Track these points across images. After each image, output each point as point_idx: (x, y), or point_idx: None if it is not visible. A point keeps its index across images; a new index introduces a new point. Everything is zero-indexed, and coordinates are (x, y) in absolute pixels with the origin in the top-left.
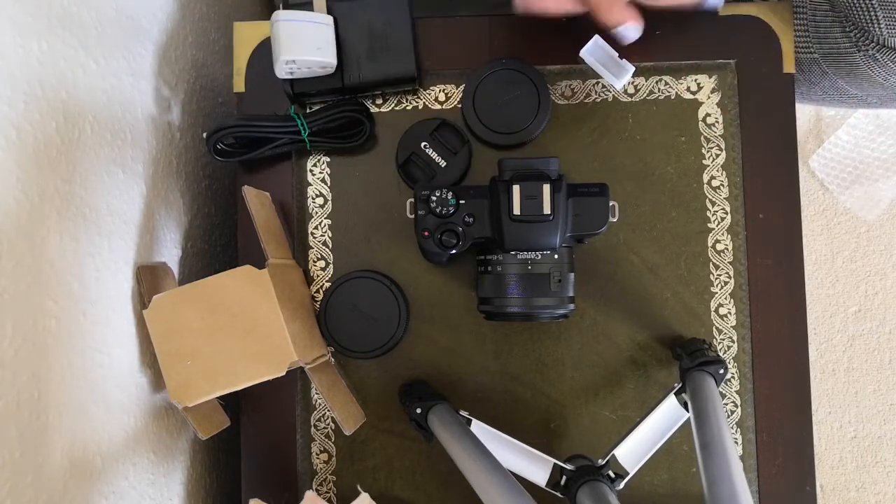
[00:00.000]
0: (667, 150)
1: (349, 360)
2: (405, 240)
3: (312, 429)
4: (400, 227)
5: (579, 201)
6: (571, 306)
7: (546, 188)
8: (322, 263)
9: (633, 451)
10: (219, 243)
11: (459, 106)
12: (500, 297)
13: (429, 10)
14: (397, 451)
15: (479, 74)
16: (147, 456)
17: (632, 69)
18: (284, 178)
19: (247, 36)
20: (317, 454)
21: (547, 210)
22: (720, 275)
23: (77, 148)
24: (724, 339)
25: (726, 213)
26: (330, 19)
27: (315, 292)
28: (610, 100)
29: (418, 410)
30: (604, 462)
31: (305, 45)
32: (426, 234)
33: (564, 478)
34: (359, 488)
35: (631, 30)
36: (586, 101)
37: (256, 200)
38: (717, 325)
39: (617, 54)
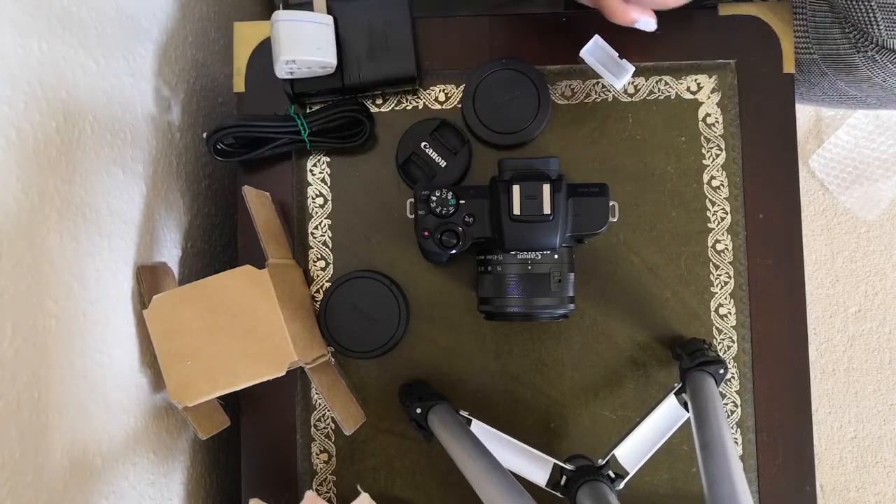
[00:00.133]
0: (667, 150)
1: (349, 360)
2: (405, 240)
3: (312, 429)
4: (400, 227)
5: (579, 201)
6: (571, 306)
7: (546, 188)
8: (322, 263)
9: (633, 451)
10: (219, 243)
11: (459, 106)
12: (500, 297)
13: (429, 10)
14: (397, 451)
15: (479, 74)
16: (147, 456)
17: (632, 69)
18: (284, 178)
19: (247, 36)
20: (317, 454)
21: (547, 210)
22: (720, 275)
23: (77, 148)
24: (724, 339)
25: (726, 213)
26: (330, 19)
27: (315, 292)
28: (610, 100)
29: (418, 410)
30: (604, 462)
31: (305, 45)
32: (426, 234)
33: (564, 478)
34: (359, 488)
35: (646, 24)
36: (586, 101)
37: (256, 200)
38: (717, 325)
39: (617, 54)
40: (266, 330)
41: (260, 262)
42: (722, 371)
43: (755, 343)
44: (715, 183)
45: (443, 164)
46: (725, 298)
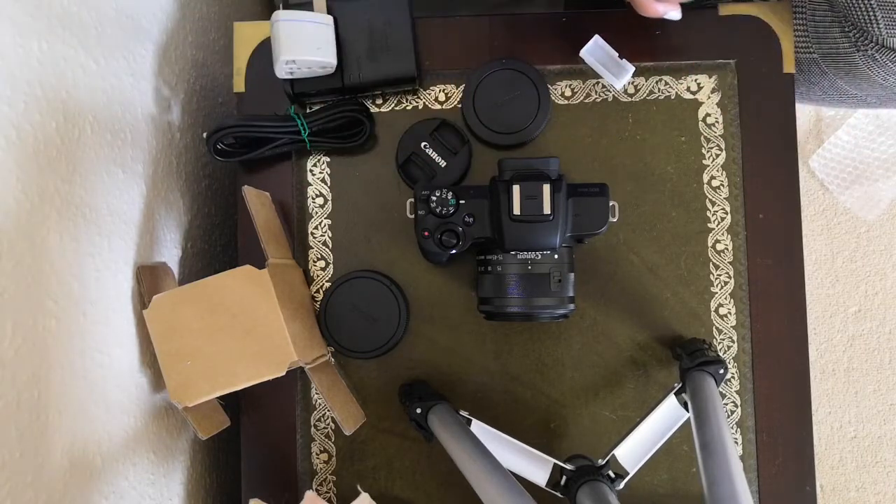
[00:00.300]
0: (667, 150)
1: (349, 360)
2: (405, 240)
3: (312, 429)
4: (400, 227)
5: (579, 201)
6: (571, 306)
7: (546, 188)
8: (322, 263)
9: (633, 451)
10: (219, 243)
11: (459, 106)
12: (500, 297)
13: (429, 10)
14: (397, 451)
15: (479, 74)
16: (147, 456)
17: (632, 69)
18: (284, 178)
19: (247, 36)
20: (317, 454)
21: (547, 210)
22: (720, 275)
23: (77, 148)
24: (724, 339)
25: (726, 213)
26: (330, 19)
27: (315, 292)
28: (610, 100)
29: (418, 410)
30: (604, 462)
31: (305, 45)
32: (426, 234)
33: (564, 478)
34: (359, 488)
35: (673, 15)
36: (586, 101)
37: (256, 200)
38: (717, 325)
39: (617, 54)
40: (266, 330)
41: (260, 262)
42: (722, 371)
43: (755, 343)
44: (715, 183)
45: (443, 164)
46: (725, 298)
